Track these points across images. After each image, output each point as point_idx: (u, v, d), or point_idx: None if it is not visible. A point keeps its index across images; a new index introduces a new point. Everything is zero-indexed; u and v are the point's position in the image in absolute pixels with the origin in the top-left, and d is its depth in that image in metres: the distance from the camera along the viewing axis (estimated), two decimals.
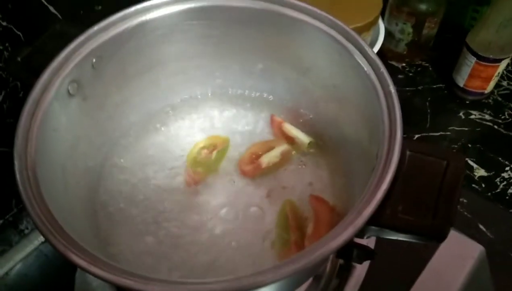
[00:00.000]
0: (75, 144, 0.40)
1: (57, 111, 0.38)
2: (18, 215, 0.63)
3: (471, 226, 0.61)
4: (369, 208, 0.29)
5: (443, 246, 0.51)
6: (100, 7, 0.59)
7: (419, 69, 0.79)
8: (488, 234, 0.60)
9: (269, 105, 0.51)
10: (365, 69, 0.37)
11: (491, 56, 0.66)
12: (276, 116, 0.50)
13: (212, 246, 0.42)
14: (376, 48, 0.69)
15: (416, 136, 0.71)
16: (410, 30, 0.73)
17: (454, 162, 0.32)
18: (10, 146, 0.57)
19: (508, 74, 0.77)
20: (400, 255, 0.51)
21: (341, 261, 0.49)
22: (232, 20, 0.44)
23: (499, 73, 0.69)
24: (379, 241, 0.50)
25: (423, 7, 0.70)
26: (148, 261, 0.41)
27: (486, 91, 0.72)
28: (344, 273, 0.49)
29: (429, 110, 0.74)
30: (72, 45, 0.39)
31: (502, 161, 0.68)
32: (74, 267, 0.50)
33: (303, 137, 0.47)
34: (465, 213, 0.61)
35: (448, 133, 0.71)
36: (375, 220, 0.30)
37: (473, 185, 0.66)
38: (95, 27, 0.40)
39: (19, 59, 0.41)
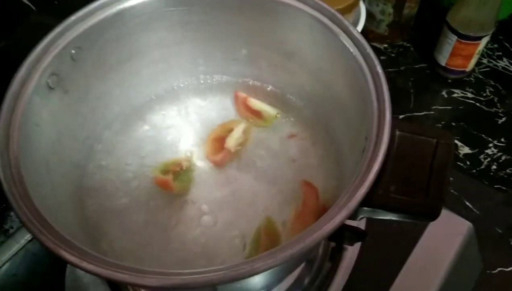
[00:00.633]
0: (58, 139, 0.39)
1: (37, 106, 0.36)
2: (1, 214, 0.61)
3: (458, 203, 0.62)
4: (362, 189, 0.29)
5: (432, 224, 0.51)
6: None
7: (401, 50, 0.79)
8: (475, 210, 0.62)
9: (255, 90, 0.50)
10: (351, 50, 0.37)
11: (471, 34, 0.66)
12: (239, 92, 0.49)
13: (203, 237, 0.41)
14: (358, 30, 0.68)
15: (401, 117, 0.71)
16: (391, 10, 0.73)
17: (443, 140, 0.33)
18: None
19: (488, 51, 0.78)
20: (391, 235, 0.51)
21: (332, 244, 0.50)
22: (212, 5, 0.43)
23: (479, 51, 0.69)
24: (370, 222, 0.50)
25: None
26: (138, 255, 0.41)
27: (467, 70, 0.72)
28: (336, 256, 0.49)
29: (412, 91, 0.74)
30: (49, 37, 0.38)
31: (485, 137, 0.69)
32: (64, 264, 0.50)
33: (269, 110, 0.48)
34: (452, 191, 0.62)
35: (432, 112, 0.72)
36: (367, 201, 0.30)
37: (458, 163, 0.66)
38: (73, 17, 0.39)
39: None
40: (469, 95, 0.73)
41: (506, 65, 0.77)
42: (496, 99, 0.73)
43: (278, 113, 0.48)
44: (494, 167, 0.66)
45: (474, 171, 0.66)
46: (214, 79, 0.51)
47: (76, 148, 0.43)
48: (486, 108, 0.72)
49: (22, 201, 0.30)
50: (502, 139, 0.68)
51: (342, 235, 0.47)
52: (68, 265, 0.50)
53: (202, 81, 0.51)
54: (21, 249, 0.57)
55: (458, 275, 0.51)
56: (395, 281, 0.49)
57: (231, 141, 0.46)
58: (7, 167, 0.31)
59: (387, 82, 0.34)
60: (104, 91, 0.44)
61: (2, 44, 0.40)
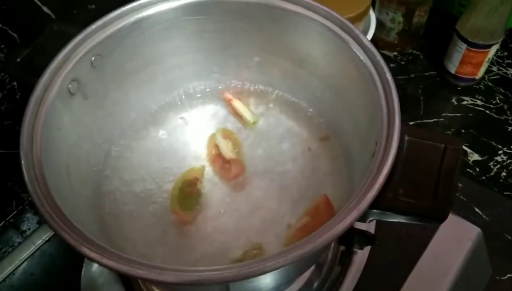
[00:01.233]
0: (77, 142, 0.41)
1: (59, 110, 0.38)
2: (18, 216, 0.63)
3: (467, 210, 0.62)
4: (372, 191, 0.30)
5: (441, 229, 0.52)
6: (93, 6, 0.59)
7: (410, 57, 0.80)
8: (484, 216, 0.62)
9: (266, 97, 0.51)
10: (361, 58, 0.38)
11: (481, 42, 0.67)
12: (227, 92, 0.51)
13: (217, 237, 0.42)
14: (368, 38, 0.69)
15: (410, 123, 0.72)
16: (401, 19, 0.74)
17: (452, 145, 0.33)
18: (8, 147, 0.58)
19: (498, 59, 0.79)
20: (400, 240, 0.52)
21: (342, 247, 0.50)
22: (227, 15, 0.45)
23: (489, 58, 0.70)
24: (379, 226, 0.51)
25: None
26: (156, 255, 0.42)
27: (477, 77, 0.73)
28: (345, 259, 0.50)
29: (422, 98, 0.75)
30: (71, 45, 0.39)
31: (495, 145, 0.69)
32: (79, 264, 0.51)
33: (248, 117, 0.49)
34: (461, 197, 0.63)
35: (442, 119, 0.72)
36: (377, 203, 0.31)
37: (468, 169, 0.67)
38: (93, 26, 0.40)
39: (18, 60, 0.41)
40: (479, 102, 0.74)
41: None
42: (505, 106, 0.73)
43: (255, 122, 0.50)
44: (503, 173, 0.66)
45: (484, 177, 0.66)
46: (226, 86, 0.52)
47: (93, 152, 0.44)
48: (495, 116, 0.72)
49: (45, 200, 0.31)
50: None
51: (351, 239, 0.48)
52: (84, 265, 0.51)
53: (215, 87, 0.52)
54: (37, 249, 0.59)
55: (467, 280, 0.52)
56: (404, 286, 0.49)
57: (230, 153, 0.47)
58: (31, 168, 0.33)
59: (397, 89, 0.35)
60: (121, 97, 0.46)
61: (26, 52, 0.42)
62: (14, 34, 0.51)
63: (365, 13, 0.68)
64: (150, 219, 0.44)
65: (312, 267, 0.48)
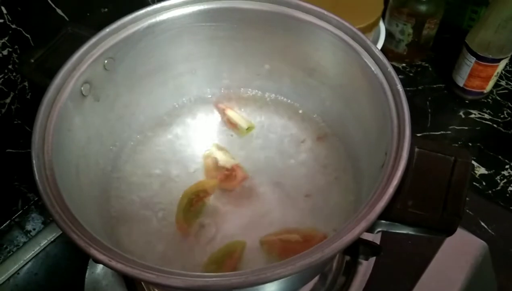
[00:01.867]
0: (87, 144, 0.41)
1: (71, 112, 0.38)
2: (24, 215, 0.63)
3: (473, 223, 0.62)
4: (381, 202, 0.30)
5: (447, 242, 0.52)
6: (106, 9, 0.59)
7: (419, 69, 0.80)
8: (490, 230, 0.62)
9: (276, 105, 0.52)
10: (372, 68, 0.38)
11: (490, 56, 0.67)
12: (220, 104, 0.51)
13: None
14: None
15: (418, 135, 0.72)
16: (410, 31, 0.74)
17: (461, 158, 0.33)
18: (17, 147, 0.58)
19: (507, 74, 0.79)
20: (405, 252, 0.52)
21: (347, 257, 0.50)
22: (239, 22, 0.45)
23: (498, 73, 0.70)
24: (384, 238, 0.51)
25: (423, 8, 0.71)
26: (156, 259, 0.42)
27: (485, 91, 0.73)
28: (350, 270, 0.50)
29: (429, 110, 0.75)
30: (84, 47, 0.40)
31: (502, 159, 0.69)
32: (82, 266, 0.51)
33: (242, 124, 0.50)
34: (467, 210, 0.62)
35: (449, 132, 0.72)
36: (386, 214, 0.30)
37: (474, 183, 0.67)
38: (107, 29, 0.41)
39: (32, 61, 0.42)
40: (486, 116, 0.74)
41: None
42: None
43: (249, 129, 0.50)
44: (510, 188, 0.66)
45: (490, 191, 0.66)
46: (236, 92, 0.52)
47: (102, 153, 0.45)
48: (503, 130, 0.72)
49: (55, 201, 0.31)
50: None
51: (357, 249, 0.48)
52: (88, 267, 0.51)
53: (225, 93, 0.52)
54: (42, 250, 0.59)
55: None
56: None
57: (226, 163, 0.47)
58: (42, 168, 0.33)
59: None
60: (132, 100, 0.46)
61: (39, 53, 0.42)
62: (28, 35, 0.52)
63: (375, 24, 0.68)
64: (156, 223, 0.44)
65: (317, 277, 0.48)
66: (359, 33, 0.40)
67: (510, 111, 0.74)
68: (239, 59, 0.49)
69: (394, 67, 0.37)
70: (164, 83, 0.48)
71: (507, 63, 0.71)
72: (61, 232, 0.58)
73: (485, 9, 0.72)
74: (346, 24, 0.41)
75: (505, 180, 0.67)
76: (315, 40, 0.43)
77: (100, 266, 0.51)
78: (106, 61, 0.41)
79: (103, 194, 0.44)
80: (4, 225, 0.62)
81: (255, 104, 0.52)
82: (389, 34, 0.75)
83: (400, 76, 0.77)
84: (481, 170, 0.68)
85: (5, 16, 0.48)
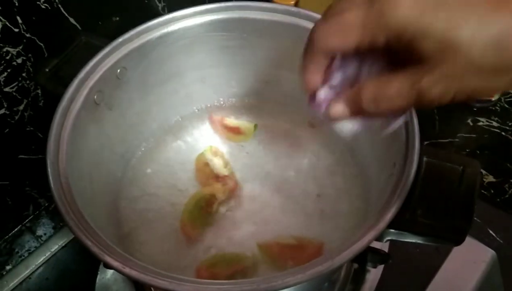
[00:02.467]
0: (100, 151, 0.42)
1: (84, 120, 0.39)
2: (35, 220, 0.64)
3: (481, 231, 0.62)
4: (390, 211, 0.30)
5: (455, 250, 0.52)
6: (117, 18, 0.60)
7: None
8: (498, 239, 0.61)
9: (285, 113, 0.52)
10: None
11: None
12: (214, 115, 0.51)
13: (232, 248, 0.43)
14: None
15: (425, 143, 0.72)
16: None
17: (470, 168, 0.34)
18: (29, 153, 0.59)
19: None
20: (413, 260, 0.52)
21: (355, 265, 0.51)
22: (250, 32, 0.46)
23: None
24: (392, 246, 0.51)
25: None
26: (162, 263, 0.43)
27: (493, 99, 0.73)
28: (358, 277, 0.50)
29: (437, 117, 0.75)
30: (98, 57, 0.41)
31: (510, 167, 0.69)
32: (93, 271, 0.52)
33: (247, 124, 0.51)
34: (475, 218, 0.62)
35: (457, 140, 0.72)
36: (395, 223, 0.31)
37: (482, 191, 0.67)
38: (120, 39, 0.42)
39: (47, 70, 0.43)
40: (495, 124, 0.74)
41: None
42: None
43: (256, 125, 0.51)
44: None
45: (498, 199, 0.66)
46: (245, 101, 0.53)
47: (114, 160, 0.46)
48: (511, 138, 0.72)
49: (70, 208, 0.32)
50: None
51: (365, 257, 0.48)
52: (99, 273, 0.52)
53: (233, 102, 0.53)
54: (53, 255, 0.60)
55: None
56: None
57: (221, 171, 0.47)
58: (57, 176, 0.34)
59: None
60: (144, 109, 0.47)
61: (54, 62, 0.43)
62: (41, 44, 0.53)
63: None
64: (166, 228, 0.45)
65: (325, 285, 0.49)
66: None
67: None
68: (248, 68, 0.50)
69: None
70: (175, 92, 0.49)
71: None
72: (71, 237, 0.60)
73: None
74: None
75: None
76: None
77: (111, 272, 0.52)
78: (119, 71, 0.42)
79: (114, 201, 0.44)
80: (16, 229, 0.63)
81: (262, 111, 0.53)
82: None
83: None
84: (489, 178, 0.68)
85: (20, 25, 0.49)
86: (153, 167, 0.49)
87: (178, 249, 0.44)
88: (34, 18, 0.50)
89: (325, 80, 0.29)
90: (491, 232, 0.62)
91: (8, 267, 0.59)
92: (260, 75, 0.50)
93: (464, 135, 0.73)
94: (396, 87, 0.24)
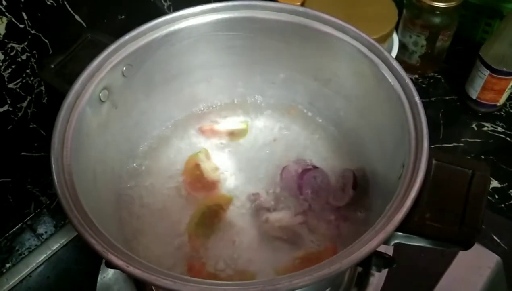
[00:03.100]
0: (104, 149, 0.41)
1: (89, 117, 0.39)
2: (36, 218, 0.64)
3: (485, 237, 0.61)
4: (399, 214, 0.30)
5: (460, 255, 0.51)
6: (123, 16, 0.60)
7: (431, 81, 0.80)
8: (502, 244, 0.61)
9: (289, 114, 0.52)
10: (390, 80, 0.38)
11: (504, 69, 0.67)
12: (204, 126, 0.51)
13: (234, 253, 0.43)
14: None
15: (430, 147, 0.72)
16: (424, 42, 0.74)
17: (479, 171, 0.33)
18: (31, 150, 0.59)
19: None
20: (418, 265, 0.51)
21: (359, 269, 0.50)
22: (256, 31, 0.46)
23: None
24: (397, 250, 0.50)
25: (437, 20, 0.71)
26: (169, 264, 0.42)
27: (498, 104, 0.73)
28: (362, 281, 0.49)
29: (442, 122, 0.75)
30: (104, 54, 0.40)
31: None
32: (95, 270, 0.51)
33: (239, 124, 0.51)
34: None
35: (461, 144, 0.72)
36: (403, 226, 0.30)
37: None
38: (126, 36, 0.41)
39: (52, 66, 0.42)
40: (500, 129, 0.73)
41: None
42: None
43: (247, 122, 0.51)
44: None
45: (503, 205, 0.65)
46: (250, 101, 0.52)
47: (118, 158, 0.45)
48: None
49: (73, 205, 0.32)
50: None
51: (369, 261, 0.48)
52: (100, 272, 0.51)
53: (239, 101, 0.53)
54: (54, 254, 0.59)
55: None
56: None
57: (211, 173, 0.47)
58: (61, 172, 0.33)
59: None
60: (149, 107, 0.47)
61: (59, 58, 0.43)
62: (46, 41, 0.52)
63: (389, 35, 0.68)
64: (167, 228, 0.44)
65: (329, 289, 0.48)
66: (377, 44, 0.40)
67: None
68: (254, 68, 0.50)
69: None
70: (180, 91, 0.49)
71: None
72: (72, 236, 0.59)
73: (499, 22, 0.72)
74: (363, 35, 0.41)
75: None
76: (332, 51, 0.43)
77: (112, 271, 0.51)
78: (124, 68, 0.42)
79: (117, 197, 0.44)
80: (16, 227, 0.62)
81: (266, 111, 0.52)
82: (402, 46, 0.75)
83: None
84: (494, 183, 0.67)
85: (26, 22, 0.49)
86: (157, 166, 0.49)
87: (181, 250, 0.43)
88: (39, 14, 0.50)
89: None
90: (495, 237, 0.61)
91: (8, 265, 0.59)
92: (266, 75, 0.50)
93: (469, 140, 0.73)
94: None
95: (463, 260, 0.51)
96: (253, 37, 0.46)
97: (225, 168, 0.48)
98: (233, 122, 0.51)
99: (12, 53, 0.50)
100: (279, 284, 0.27)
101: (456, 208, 0.32)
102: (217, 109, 0.53)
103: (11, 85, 0.51)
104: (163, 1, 0.64)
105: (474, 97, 0.73)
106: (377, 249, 0.46)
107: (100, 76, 0.40)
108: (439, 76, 0.80)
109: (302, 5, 0.62)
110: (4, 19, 0.47)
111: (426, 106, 0.76)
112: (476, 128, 0.74)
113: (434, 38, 0.73)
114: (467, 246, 0.32)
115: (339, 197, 0.44)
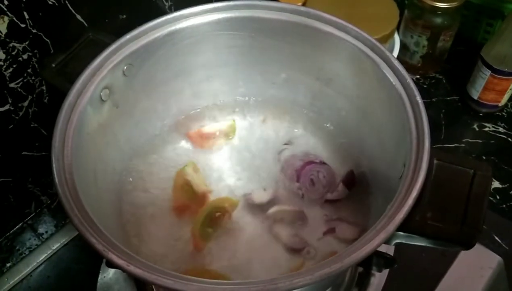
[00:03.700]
0: (105, 148, 0.41)
1: (90, 116, 0.39)
2: (36, 218, 0.64)
3: (487, 238, 0.61)
4: (401, 214, 0.30)
5: (461, 256, 0.51)
6: (124, 16, 0.60)
7: (433, 81, 0.80)
8: (504, 245, 0.61)
9: (290, 114, 0.52)
10: (391, 80, 0.38)
11: (506, 69, 0.66)
12: (191, 131, 0.50)
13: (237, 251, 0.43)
14: None
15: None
16: (425, 42, 0.74)
17: (481, 171, 0.33)
18: (32, 149, 0.59)
19: None
20: (419, 265, 0.51)
21: (360, 269, 0.50)
22: (258, 31, 0.45)
23: None
24: (398, 250, 0.50)
25: (438, 20, 0.71)
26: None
27: (500, 104, 0.73)
28: (363, 281, 0.49)
29: (443, 122, 0.74)
30: (105, 53, 0.40)
31: None
32: (95, 270, 0.51)
33: (226, 125, 0.51)
34: None
35: (463, 145, 0.72)
36: (404, 226, 0.30)
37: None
38: (127, 36, 0.41)
39: (53, 65, 0.42)
40: (501, 129, 0.73)
41: None
42: None
43: (233, 120, 0.51)
44: None
45: (504, 206, 0.65)
46: (251, 101, 0.52)
47: (119, 158, 0.45)
48: None
49: (74, 205, 0.32)
50: None
51: (370, 260, 0.47)
52: (101, 272, 0.51)
53: (240, 101, 0.53)
54: (54, 253, 0.59)
55: None
56: None
57: (197, 185, 0.47)
58: (62, 171, 0.33)
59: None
60: (149, 107, 0.47)
61: (61, 58, 0.43)
62: (48, 40, 0.52)
63: (390, 35, 0.68)
64: (169, 228, 0.44)
65: (330, 288, 0.48)
66: (378, 44, 0.40)
67: None
68: (255, 68, 0.49)
69: None
70: (181, 90, 0.49)
71: None
72: (73, 236, 0.59)
73: (501, 23, 0.72)
74: (365, 35, 0.41)
75: None
76: (333, 50, 0.43)
77: (112, 271, 0.51)
78: (125, 68, 0.42)
79: (118, 197, 0.44)
80: (17, 227, 0.63)
81: (267, 111, 0.52)
82: (403, 46, 0.75)
83: None
84: (495, 184, 0.67)
85: (27, 21, 0.49)
86: (158, 166, 0.49)
87: (182, 251, 0.43)
88: (41, 14, 0.50)
89: None
90: (496, 238, 0.61)
91: (8, 264, 0.59)
92: (267, 74, 0.50)
93: (470, 140, 0.73)
94: None
95: (464, 260, 0.51)
96: (254, 37, 0.46)
97: (224, 169, 0.48)
98: (233, 122, 0.51)
99: (13, 53, 0.50)
100: (280, 283, 0.27)
101: (458, 208, 0.32)
102: (217, 109, 0.53)
103: (12, 85, 0.51)
104: (164, 1, 0.64)
105: (475, 97, 0.73)
106: (378, 249, 0.46)
107: (101, 75, 0.39)
108: (441, 77, 0.80)
109: (303, 4, 0.62)
110: (6, 19, 0.47)
111: (427, 106, 0.75)
112: (477, 129, 0.74)
113: (436, 39, 0.73)
114: (468, 246, 0.31)
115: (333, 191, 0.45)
